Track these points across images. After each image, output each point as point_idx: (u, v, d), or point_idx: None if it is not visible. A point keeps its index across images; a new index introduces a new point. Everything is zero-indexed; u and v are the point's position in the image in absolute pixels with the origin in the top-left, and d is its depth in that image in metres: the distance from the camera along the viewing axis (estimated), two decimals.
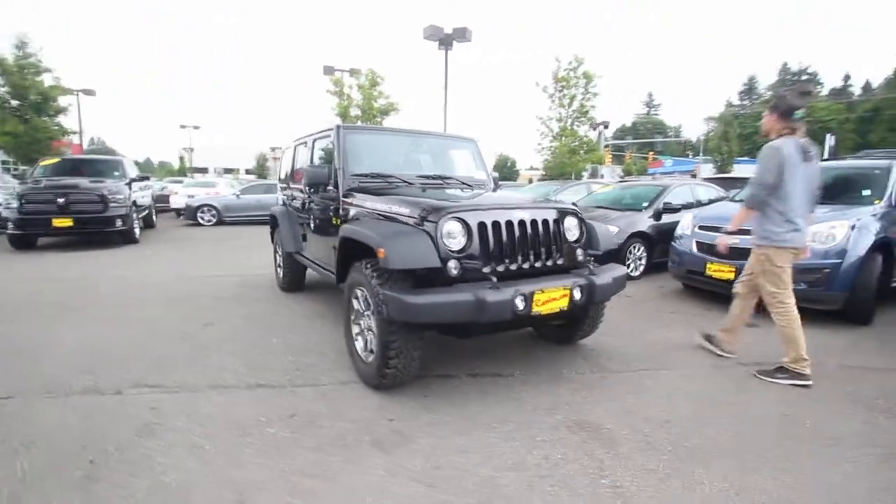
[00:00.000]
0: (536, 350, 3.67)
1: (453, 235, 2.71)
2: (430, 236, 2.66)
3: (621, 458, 2.23)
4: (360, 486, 1.99)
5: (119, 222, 8.83)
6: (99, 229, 8.69)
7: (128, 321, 4.32)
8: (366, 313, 2.97)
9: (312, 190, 4.34)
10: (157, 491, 1.95)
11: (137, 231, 9.77)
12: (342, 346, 3.69)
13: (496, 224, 2.83)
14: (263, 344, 3.74)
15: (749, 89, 60.23)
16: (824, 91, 56.41)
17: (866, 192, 4.99)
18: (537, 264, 2.96)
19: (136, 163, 12.83)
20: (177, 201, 15.76)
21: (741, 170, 28.37)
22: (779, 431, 2.50)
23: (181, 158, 57.70)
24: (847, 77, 58.06)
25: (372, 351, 2.89)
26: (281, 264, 5.58)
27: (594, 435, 2.43)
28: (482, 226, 2.79)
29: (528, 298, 2.63)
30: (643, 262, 6.61)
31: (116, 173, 10.01)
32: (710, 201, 7.40)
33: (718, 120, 40.29)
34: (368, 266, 2.83)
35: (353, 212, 3.54)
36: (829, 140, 26.83)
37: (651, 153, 46.97)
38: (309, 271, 5.51)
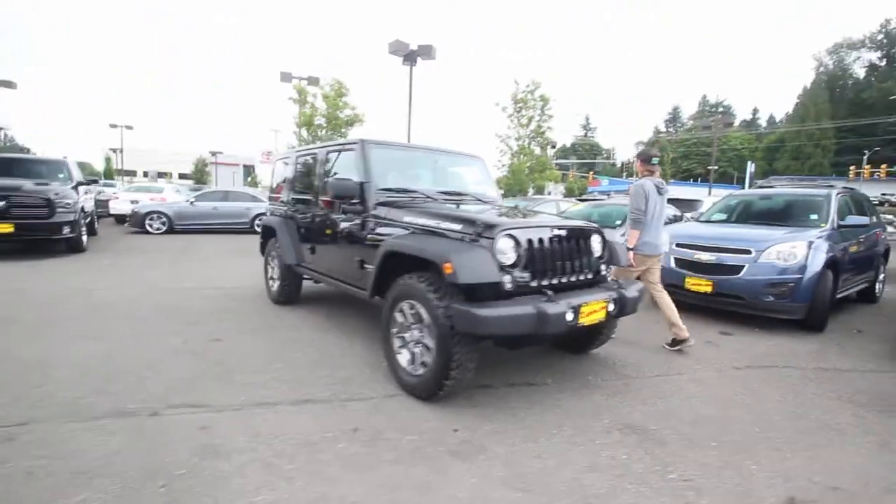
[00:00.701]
0: (556, 359, 3.87)
1: (506, 251, 2.85)
2: (488, 251, 2.79)
3: (676, 455, 2.46)
4: (460, 494, 2.06)
5: (66, 229, 8.06)
6: (44, 236, 7.88)
7: (121, 338, 4.02)
8: (413, 327, 3.03)
9: (327, 203, 4.32)
10: None
11: (84, 239, 8.96)
12: (370, 358, 3.71)
13: (541, 240, 3.02)
14: (287, 359, 3.64)
15: (674, 118, 65.94)
16: (737, 122, 62.96)
17: (813, 217, 5.76)
18: (573, 278, 3.18)
19: None
20: (118, 207, 14.56)
21: (675, 191, 30.83)
22: (794, 425, 2.87)
23: (107, 160, 53.09)
24: (756, 111, 65.38)
25: (423, 364, 2.94)
26: (276, 276, 5.41)
27: (645, 436, 2.65)
28: (530, 242, 2.97)
29: (577, 310, 2.83)
30: None
31: (61, 175, 9.14)
32: (672, 219, 8.11)
33: (652, 145, 43.82)
34: (422, 280, 2.90)
35: (385, 226, 3.57)
36: (750, 167, 29.93)
37: (591, 172, 49.98)
38: (306, 283, 5.43)
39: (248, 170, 55.62)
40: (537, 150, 17.69)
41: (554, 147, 26.36)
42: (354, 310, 5.33)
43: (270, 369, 3.41)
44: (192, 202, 13.53)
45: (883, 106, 46.81)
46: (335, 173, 4.37)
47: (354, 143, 4.13)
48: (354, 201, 3.85)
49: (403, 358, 3.12)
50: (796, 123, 55.96)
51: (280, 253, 5.16)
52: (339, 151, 4.40)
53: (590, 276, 3.31)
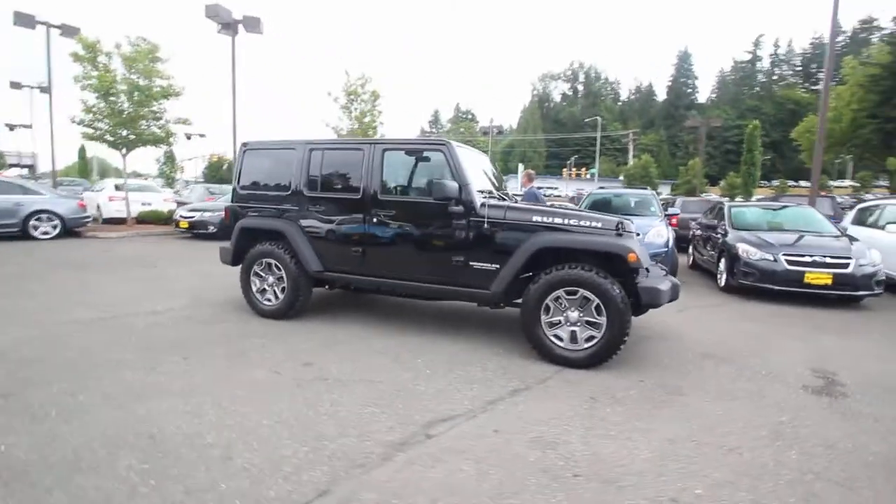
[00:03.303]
0: None
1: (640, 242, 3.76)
2: (640, 243, 3.65)
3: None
4: (674, 431, 2.93)
5: None
6: None
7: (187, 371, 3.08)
8: (569, 311, 3.60)
9: (397, 205, 4.21)
10: None
11: None
12: (493, 348, 4.03)
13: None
14: (415, 372, 3.60)
15: (435, 120, 74.87)
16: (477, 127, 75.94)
17: (652, 209, 8.48)
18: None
19: None
20: None
21: None
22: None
23: None
24: (492, 120, 79.98)
25: (589, 339, 3.57)
26: (279, 289, 4.69)
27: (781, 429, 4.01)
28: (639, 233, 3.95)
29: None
30: None
31: None
32: None
33: None
34: (587, 269, 3.52)
35: (506, 228, 3.87)
36: (521, 167, 36.99)
37: None
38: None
39: None
40: None
41: None
42: (365, 304, 5.15)
43: (415, 386, 3.37)
44: None
45: (573, 124, 64.72)
46: (405, 173, 4.26)
47: (438, 144, 4.17)
48: (453, 205, 3.95)
49: (561, 339, 3.64)
50: (520, 133, 71.51)
51: (292, 261, 4.54)
52: (406, 150, 4.30)
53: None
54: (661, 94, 70.85)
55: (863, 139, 38.15)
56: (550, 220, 3.84)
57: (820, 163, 11.49)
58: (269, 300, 4.79)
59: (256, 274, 4.83)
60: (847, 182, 52.50)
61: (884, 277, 6.21)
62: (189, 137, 29.78)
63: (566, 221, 3.81)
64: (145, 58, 11.40)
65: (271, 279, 4.77)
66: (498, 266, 3.90)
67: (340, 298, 5.71)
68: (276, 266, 4.70)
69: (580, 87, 71.23)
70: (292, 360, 3.62)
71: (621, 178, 46.29)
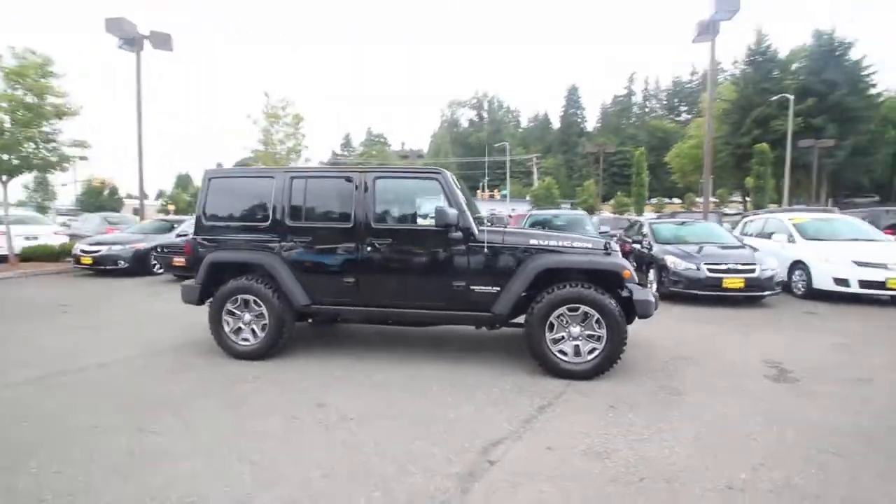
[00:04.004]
0: None
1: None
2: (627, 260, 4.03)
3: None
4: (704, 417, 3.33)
5: None
6: None
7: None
8: (571, 326, 3.85)
9: (393, 233, 4.19)
10: None
11: None
12: (497, 374, 4.14)
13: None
14: (435, 401, 3.59)
15: (347, 143, 74.01)
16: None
17: (588, 227, 9.28)
18: None
19: None
20: None
21: None
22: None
23: None
24: (403, 144, 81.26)
25: (591, 351, 3.83)
26: (258, 326, 4.34)
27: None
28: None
29: None
30: None
31: None
32: None
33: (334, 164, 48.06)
34: (587, 287, 3.81)
35: (504, 252, 4.04)
36: None
37: None
38: None
39: None
40: None
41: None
42: (341, 334, 4.96)
43: (476, 402, 3.39)
44: None
45: (481, 149, 67.96)
46: (399, 201, 4.24)
47: (433, 172, 4.24)
48: (455, 229, 4.04)
49: (566, 353, 3.86)
50: (432, 156, 73.28)
51: (275, 296, 4.25)
52: (399, 179, 4.30)
53: None
54: (555, 123, 77.65)
55: (721, 162, 45.02)
56: (546, 242, 4.09)
57: (710, 184, 13.50)
58: (247, 339, 4.40)
59: (230, 312, 4.43)
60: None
61: (780, 279, 7.47)
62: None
63: (560, 244, 4.09)
64: (33, 72, 9.91)
65: (248, 317, 4.39)
66: (498, 288, 4.04)
67: (308, 331, 5.41)
68: (254, 302, 4.35)
69: (485, 115, 75.41)
70: (300, 403, 3.38)
71: (528, 198, 49.48)
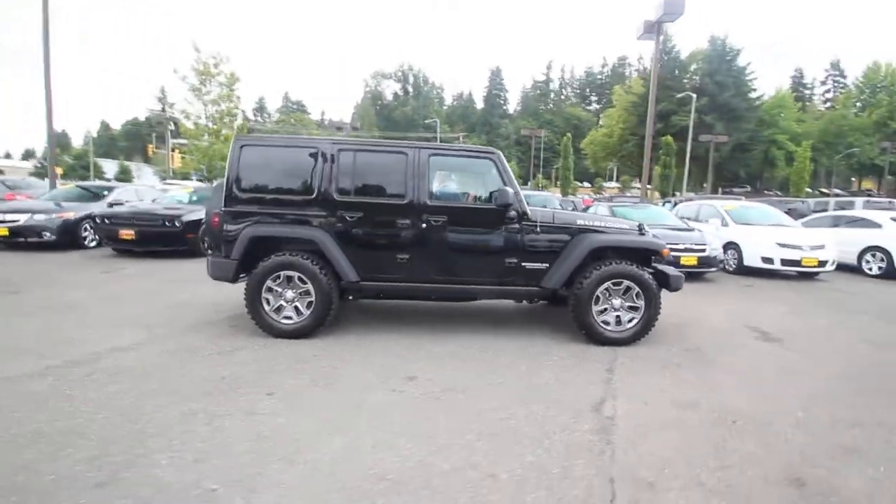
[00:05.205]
0: None
1: None
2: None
3: None
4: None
5: None
6: None
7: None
8: (613, 298, 4.30)
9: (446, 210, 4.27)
10: None
11: None
12: (547, 344, 4.49)
13: None
14: (513, 369, 3.84)
15: (260, 108, 68.47)
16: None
17: (556, 206, 9.89)
18: None
19: None
20: None
21: None
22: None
23: None
24: (323, 113, 77.35)
25: (631, 320, 4.31)
26: (303, 303, 4.19)
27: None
28: None
29: None
30: None
31: None
32: None
33: (249, 132, 44.71)
34: (631, 263, 4.26)
35: (554, 231, 4.33)
36: None
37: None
38: None
39: None
40: (227, 132, 15.48)
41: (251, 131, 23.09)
42: (359, 310, 4.97)
43: (552, 369, 3.66)
44: None
45: (406, 123, 67.05)
46: (453, 178, 4.29)
47: (488, 153, 4.34)
48: (511, 210, 4.24)
49: (607, 324, 4.30)
50: (350, 128, 70.77)
51: (323, 272, 4.13)
52: (452, 156, 4.35)
53: None
54: (479, 103, 78.95)
55: (627, 151, 49.20)
56: (590, 223, 4.46)
57: (647, 173, 14.92)
58: (289, 318, 4.24)
59: (268, 289, 4.21)
60: (613, 184, 67.48)
61: (722, 258, 8.73)
62: None
63: (603, 224, 4.49)
64: None
65: (290, 294, 4.23)
66: (547, 265, 4.34)
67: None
68: (299, 279, 4.19)
69: (410, 89, 74.16)
70: (389, 377, 3.43)
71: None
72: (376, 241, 4.31)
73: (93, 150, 45.89)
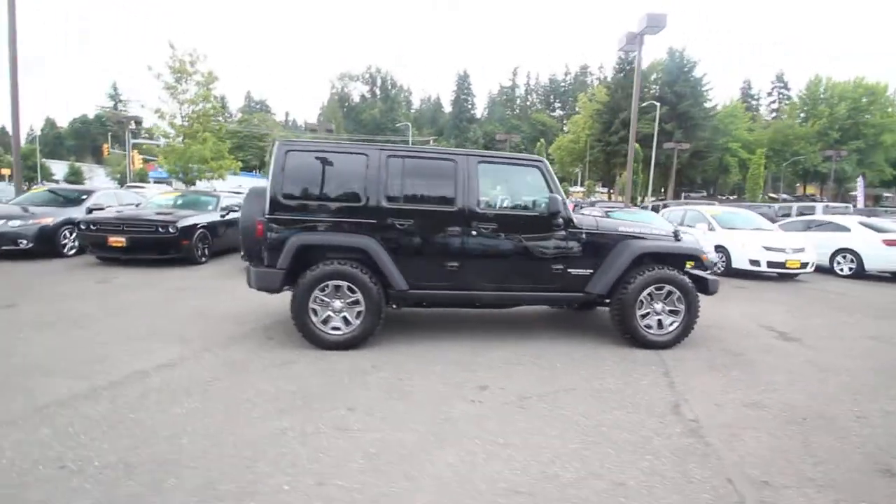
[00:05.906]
0: None
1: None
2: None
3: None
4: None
5: None
6: None
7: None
8: (655, 303, 4.44)
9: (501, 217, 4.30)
10: None
11: None
12: (592, 348, 4.59)
13: None
14: (575, 375, 3.89)
15: (222, 106, 65.98)
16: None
17: None
18: None
19: None
20: None
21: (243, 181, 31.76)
22: None
23: None
24: (287, 114, 75.58)
25: (672, 323, 4.47)
26: (361, 312, 4.08)
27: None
28: None
29: None
30: None
31: None
32: None
33: None
34: (672, 269, 4.42)
35: (596, 237, 4.43)
36: None
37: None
38: None
39: None
40: (206, 134, 14.75)
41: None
42: (429, 318, 4.93)
43: (613, 373, 3.73)
44: None
45: (374, 126, 66.51)
46: (500, 186, 4.31)
47: (535, 160, 4.39)
48: (559, 217, 4.30)
49: (650, 327, 4.44)
50: (322, 130, 69.39)
51: (373, 281, 4.05)
52: (500, 164, 4.37)
53: None
54: (447, 107, 79.43)
55: (593, 157, 50.64)
56: (631, 230, 4.59)
57: (630, 179, 15.45)
58: (338, 328, 4.12)
59: (315, 299, 4.08)
60: (579, 188, 69.53)
61: (716, 261, 9.16)
62: None
63: (643, 231, 4.63)
64: None
65: (338, 304, 4.11)
66: (592, 270, 4.44)
67: None
68: (348, 288, 4.08)
69: (378, 91, 73.63)
70: (460, 386, 3.41)
71: None
72: (426, 249, 4.26)
73: (39, 150, 42.72)
